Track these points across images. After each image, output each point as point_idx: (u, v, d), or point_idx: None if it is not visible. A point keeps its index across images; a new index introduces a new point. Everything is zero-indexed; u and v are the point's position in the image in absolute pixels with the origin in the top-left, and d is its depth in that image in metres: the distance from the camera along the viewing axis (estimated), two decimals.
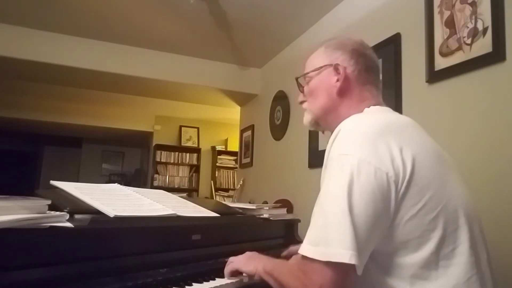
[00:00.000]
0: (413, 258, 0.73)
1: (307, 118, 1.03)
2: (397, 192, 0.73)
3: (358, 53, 0.96)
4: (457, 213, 0.78)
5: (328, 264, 0.69)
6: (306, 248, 0.73)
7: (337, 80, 0.94)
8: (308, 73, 1.01)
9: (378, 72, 1.00)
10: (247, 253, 1.04)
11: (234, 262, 1.03)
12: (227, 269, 1.05)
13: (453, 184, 0.82)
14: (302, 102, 1.05)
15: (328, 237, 0.70)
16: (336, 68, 0.95)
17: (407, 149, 0.76)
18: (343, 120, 0.87)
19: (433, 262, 0.74)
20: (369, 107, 0.92)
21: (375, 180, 0.72)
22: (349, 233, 0.68)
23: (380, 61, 0.97)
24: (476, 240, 0.79)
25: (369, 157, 0.73)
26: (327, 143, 0.83)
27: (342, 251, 0.67)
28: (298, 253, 0.75)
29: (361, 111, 0.91)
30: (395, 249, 0.74)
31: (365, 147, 0.75)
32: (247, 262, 1.00)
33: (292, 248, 1.31)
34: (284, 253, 1.30)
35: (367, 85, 0.95)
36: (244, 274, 1.04)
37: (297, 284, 0.75)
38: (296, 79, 1.07)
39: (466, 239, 0.76)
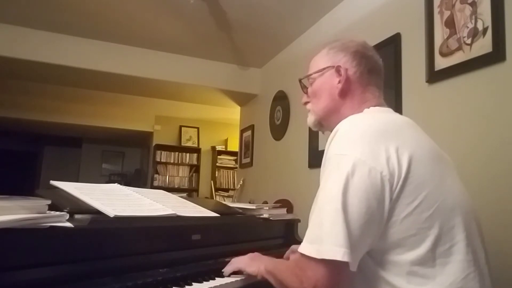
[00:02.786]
0: (410, 256, 0.74)
1: (310, 119, 1.05)
2: (391, 191, 0.74)
3: (361, 54, 0.97)
4: (453, 212, 0.79)
5: (322, 261, 0.71)
6: (303, 246, 0.75)
7: (339, 82, 0.95)
8: (311, 74, 1.02)
9: (381, 73, 1.01)
10: (250, 254, 1.06)
11: (237, 262, 1.05)
12: (228, 268, 1.06)
13: (450, 183, 0.83)
14: (306, 103, 1.06)
15: (322, 235, 0.72)
16: (338, 69, 0.96)
17: (404, 148, 0.77)
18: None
19: (430, 260, 0.74)
20: (369, 108, 0.93)
21: (369, 179, 0.73)
22: (342, 231, 0.70)
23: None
24: (473, 238, 0.80)
25: (364, 157, 0.74)
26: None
27: (335, 249, 0.69)
28: (298, 251, 0.77)
29: (362, 112, 0.92)
30: (392, 246, 0.75)
31: (361, 146, 0.76)
32: (250, 262, 1.02)
33: (293, 246, 1.31)
34: (287, 253, 1.31)
35: (370, 87, 0.96)
36: (244, 273, 1.04)
37: (295, 280, 0.78)
38: (300, 80, 1.08)
39: (462, 237, 0.77)
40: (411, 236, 0.75)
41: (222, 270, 1.07)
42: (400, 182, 0.74)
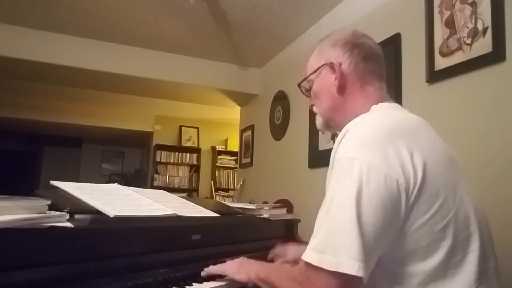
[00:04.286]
0: (421, 267, 0.71)
1: (318, 120, 1.01)
2: (407, 200, 0.70)
3: (351, 44, 0.92)
4: (468, 220, 0.75)
5: (334, 273, 0.67)
6: (311, 255, 0.70)
7: (335, 78, 0.91)
8: (308, 76, 0.99)
9: (378, 58, 0.95)
10: (237, 260, 1.01)
11: (224, 267, 1.01)
12: (213, 269, 1.02)
13: (463, 189, 0.78)
14: (312, 106, 1.02)
15: (335, 245, 0.68)
16: (331, 66, 0.92)
17: (418, 153, 0.73)
18: (350, 117, 0.84)
19: (441, 271, 0.71)
20: (377, 103, 0.89)
21: (385, 187, 0.69)
22: (357, 243, 0.66)
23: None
24: (486, 247, 0.77)
25: (379, 162, 0.70)
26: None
27: (350, 262, 0.65)
28: (302, 259, 0.72)
29: (367, 107, 0.88)
30: (403, 257, 0.72)
31: (374, 150, 0.72)
32: (238, 269, 0.97)
33: (278, 250, 1.28)
34: (270, 255, 1.27)
35: (367, 76, 0.91)
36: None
37: None
38: (298, 85, 1.05)
39: (476, 247, 0.74)
40: (423, 247, 0.71)
41: (203, 273, 1.03)
42: (416, 191, 0.70)
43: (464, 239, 0.74)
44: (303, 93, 1.05)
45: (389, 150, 0.72)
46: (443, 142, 0.85)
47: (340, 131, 0.97)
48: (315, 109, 1.01)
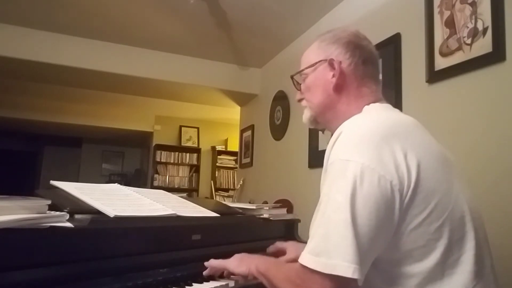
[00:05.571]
0: (417, 268, 0.71)
1: (305, 115, 1.00)
2: (401, 201, 0.70)
3: (354, 45, 0.92)
4: (463, 219, 0.75)
5: (329, 276, 0.66)
6: (307, 258, 0.70)
7: (333, 76, 0.90)
8: (303, 70, 0.98)
9: (376, 63, 0.95)
10: (237, 255, 1.02)
11: (224, 263, 1.01)
12: (214, 262, 1.02)
13: (458, 189, 0.78)
14: (300, 100, 1.02)
15: (330, 248, 0.68)
16: (331, 63, 0.90)
17: (412, 154, 0.73)
18: (341, 117, 0.85)
19: (438, 272, 0.71)
20: (368, 104, 0.88)
21: (379, 188, 0.69)
22: (352, 245, 0.66)
23: (380, 61, 0.96)
24: (482, 246, 0.77)
25: (373, 164, 0.70)
26: (328, 143, 0.81)
27: (345, 264, 0.65)
28: (298, 262, 0.73)
29: (360, 108, 0.88)
30: (399, 258, 0.72)
31: (368, 152, 0.71)
32: (239, 263, 0.97)
33: (278, 244, 1.28)
34: (271, 248, 1.27)
35: (365, 79, 0.91)
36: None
37: None
38: (292, 77, 1.04)
39: (472, 246, 0.74)
40: (419, 247, 0.71)
41: (205, 272, 1.03)
42: (410, 192, 0.71)
43: (460, 238, 0.74)
44: (295, 86, 1.03)
45: (384, 151, 0.72)
46: (436, 142, 0.85)
47: (327, 129, 0.97)
48: (304, 103, 1.00)
